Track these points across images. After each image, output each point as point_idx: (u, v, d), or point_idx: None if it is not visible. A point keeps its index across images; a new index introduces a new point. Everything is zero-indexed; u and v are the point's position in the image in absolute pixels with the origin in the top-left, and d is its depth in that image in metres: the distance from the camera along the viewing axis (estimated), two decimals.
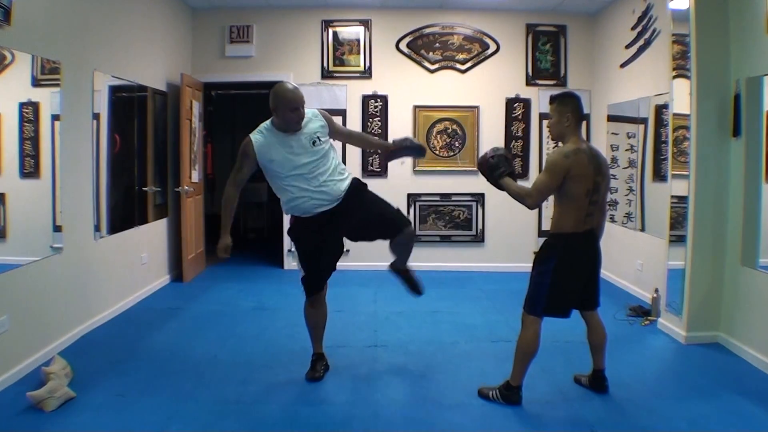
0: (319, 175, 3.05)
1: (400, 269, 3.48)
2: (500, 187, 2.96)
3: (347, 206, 3.13)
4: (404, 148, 3.34)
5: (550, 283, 2.83)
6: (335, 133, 3.24)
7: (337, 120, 3.80)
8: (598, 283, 3.04)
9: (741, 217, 3.66)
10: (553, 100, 2.95)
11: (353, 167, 5.90)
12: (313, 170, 3.04)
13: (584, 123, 6.04)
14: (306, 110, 3.08)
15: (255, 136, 3.06)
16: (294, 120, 3.00)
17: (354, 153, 6.07)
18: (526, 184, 5.81)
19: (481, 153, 5.97)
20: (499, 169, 2.92)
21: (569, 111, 2.86)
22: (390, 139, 6.02)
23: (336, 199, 3.11)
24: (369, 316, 4.44)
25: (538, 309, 2.87)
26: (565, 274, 2.83)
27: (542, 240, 3.00)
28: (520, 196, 2.85)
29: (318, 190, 3.05)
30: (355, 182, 3.23)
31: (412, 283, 3.50)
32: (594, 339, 3.07)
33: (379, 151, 3.24)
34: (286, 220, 6.11)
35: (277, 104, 2.98)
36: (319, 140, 3.06)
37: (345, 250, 3.35)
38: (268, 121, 3.11)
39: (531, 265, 2.97)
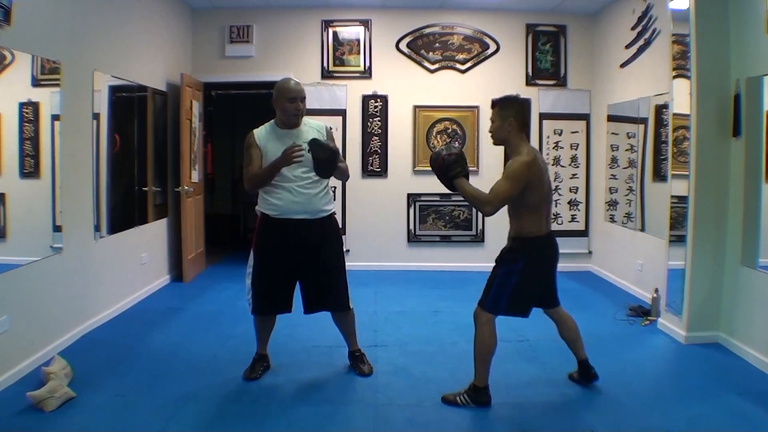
0: (303, 180, 3.05)
1: (351, 351, 3.42)
2: (453, 188, 2.87)
3: (319, 244, 3.12)
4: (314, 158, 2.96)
5: (515, 284, 2.84)
6: None
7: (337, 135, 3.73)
8: (555, 280, 3.08)
9: (741, 217, 3.66)
10: (494, 104, 2.89)
11: (353, 167, 5.89)
12: (298, 175, 3.04)
13: (585, 123, 6.08)
14: (315, 122, 3.23)
15: (256, 129, 3.19)
16: (291, 111, 3.06)
17: (354, 153, 6.07)
18: None
19: (481, 153, 6.06)
20: (455, 169, 2.82)
21: (511, 115, 2.81)
22: (388, 142, 6.11)
23: (310, 213, 3.08)
24: (369, 316, 4.43)
25: (499, 308, 2.88)
26: (530, 276, 2.86)
27: None
28: (479, 201, 2.78)
29: (296, 191, 3.05)
30: (338, 226, 3.24)
31: (359, 366, 3.37)
32: (566, 333, 3.12)
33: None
34: None
35: (277, 96, 3.08)
36: None
37: (346, 249, 3.33)
38: (270, 121, 3.20)
39: None
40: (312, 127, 3.18)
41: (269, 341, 3.40)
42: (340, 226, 3.79)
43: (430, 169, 5.94)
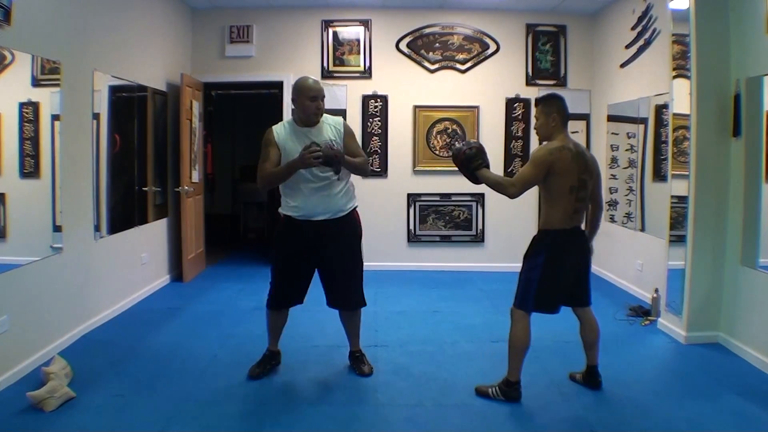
0: (321, 180, 3.05)
1: (352, 351, 3.43)
2: (476, 180, 2.97)
3: (335, 243, 3.14)
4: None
5: (539, 279, 2.88)
6: (348, 146, 3.18)
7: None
8: (588, 280, 3.09)
9: (741, 217, 3.66)
10: (538, 102, 3.03)
11: None
12: (314, 171, 3.03)
13: (585, 123, 6.08)
14: (333, 118, 3.21)
15: (275, 126, 3.17)
16: (312, 110, 3.05)
17: None
18: None
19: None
20: (477, 161, 2.93)
21: (555, 111, 2.92)
22: (388, 142, 6.10)
23: (331, 213, 3.10)
24: (369, 316, 4.41)
25: (528, 304, 2.92)
26: (554, 269, 2.88)
27: None
28: (502, 186, 2.88)
29: (319, 194, 3.06)
30: (356, 223, 3.26)
31: (360, 366, 3.38)
32: (587, 335, 3.11)
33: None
34: None
35: (297, 94, 3.07)
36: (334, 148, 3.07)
37: None
38: (288, 118, 3.18)
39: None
40: (330, 124, 3.17)
41: (278, 339, 3.41)
42: None
43: (430, 169, 6.07)
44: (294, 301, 3.31)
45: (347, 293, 3.28)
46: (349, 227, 3.23)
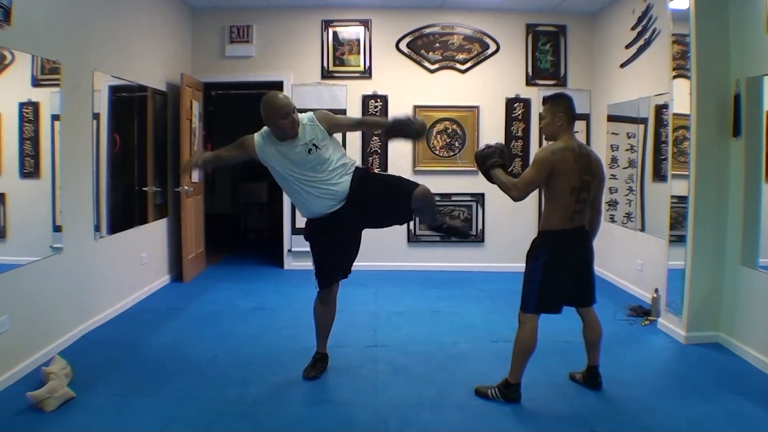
0: (322, 179, 3.02)
1: (434, 226, 3.37)
2: (490, 178, 2.98)
3: (355, 199, 3.08)
4: (402, 131, 3.07)
5: (540, 280, 2.88)
6: (337, 127, 3.17)
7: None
8: (591, 279, 3.09)
9: (741, 217, 3.66)
10: (545, 100, 3.04)
11: None
12: (313, 176, 3.01)
13: (585, 123, 6.08)
14: (301, 116, 3.06)
15: (257, 137, 3.09)
16: (288, 126, 2.96)
17: (354, 152, 6.05)
18: None
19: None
20: (492, 158, 2.95)
21: (561, 111, 2.92)
22: (388, 142, 6.09)
23: (345, 198, 3.08)
24: (369, 316, 4.44)
25: (531, 306, 2.92)
26: (554, 270, 2.88)
27: None
28: (506, 187, 2.89)
29: (324, 193, 3.03)
30: (359, 173, 3.13)
31: (454, 231, 3.42)
32: (589, 335, 3.11)
33: (380, 130, 3.23)
34: (287, 219, 6.14)
35: (269, 114, 2.96)
36: (316, 148, 3.00)
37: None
38: (267, 128, 3.09)
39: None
40: (306, 124, 3.04)
41: (326, 339, 3.42)
42: None
43: (430, 169, 6.07)
44: (342, 274, 3.36)
45: (402, 199, 3.09)
46: (354, 185, 3.08)
